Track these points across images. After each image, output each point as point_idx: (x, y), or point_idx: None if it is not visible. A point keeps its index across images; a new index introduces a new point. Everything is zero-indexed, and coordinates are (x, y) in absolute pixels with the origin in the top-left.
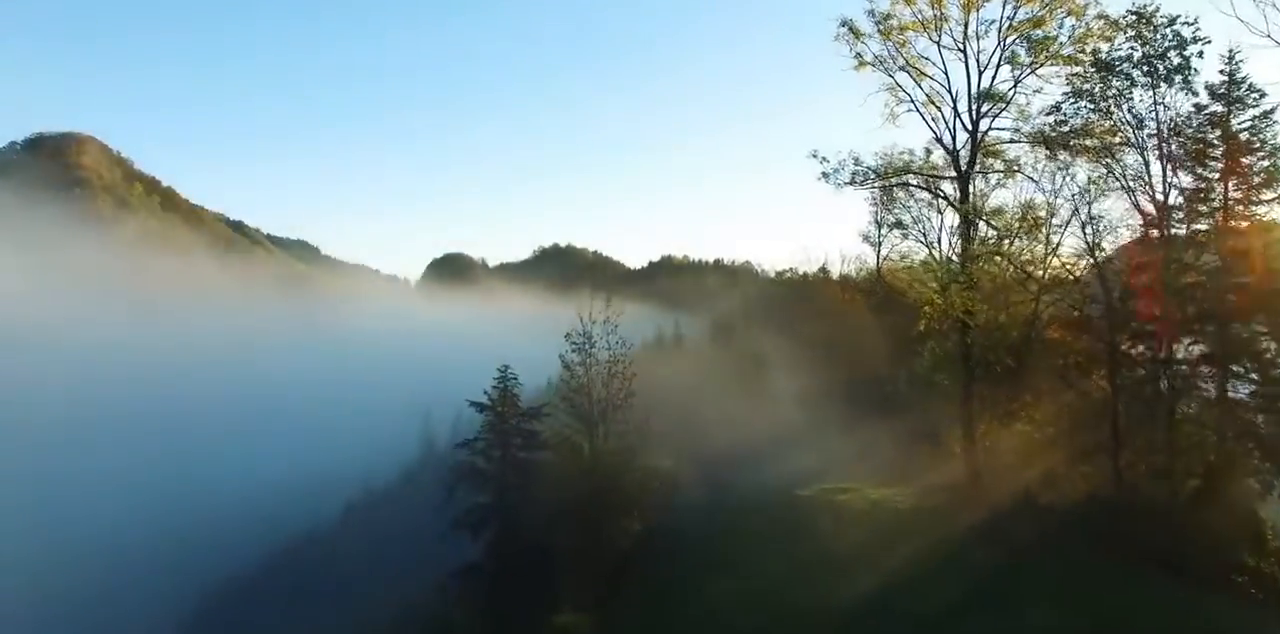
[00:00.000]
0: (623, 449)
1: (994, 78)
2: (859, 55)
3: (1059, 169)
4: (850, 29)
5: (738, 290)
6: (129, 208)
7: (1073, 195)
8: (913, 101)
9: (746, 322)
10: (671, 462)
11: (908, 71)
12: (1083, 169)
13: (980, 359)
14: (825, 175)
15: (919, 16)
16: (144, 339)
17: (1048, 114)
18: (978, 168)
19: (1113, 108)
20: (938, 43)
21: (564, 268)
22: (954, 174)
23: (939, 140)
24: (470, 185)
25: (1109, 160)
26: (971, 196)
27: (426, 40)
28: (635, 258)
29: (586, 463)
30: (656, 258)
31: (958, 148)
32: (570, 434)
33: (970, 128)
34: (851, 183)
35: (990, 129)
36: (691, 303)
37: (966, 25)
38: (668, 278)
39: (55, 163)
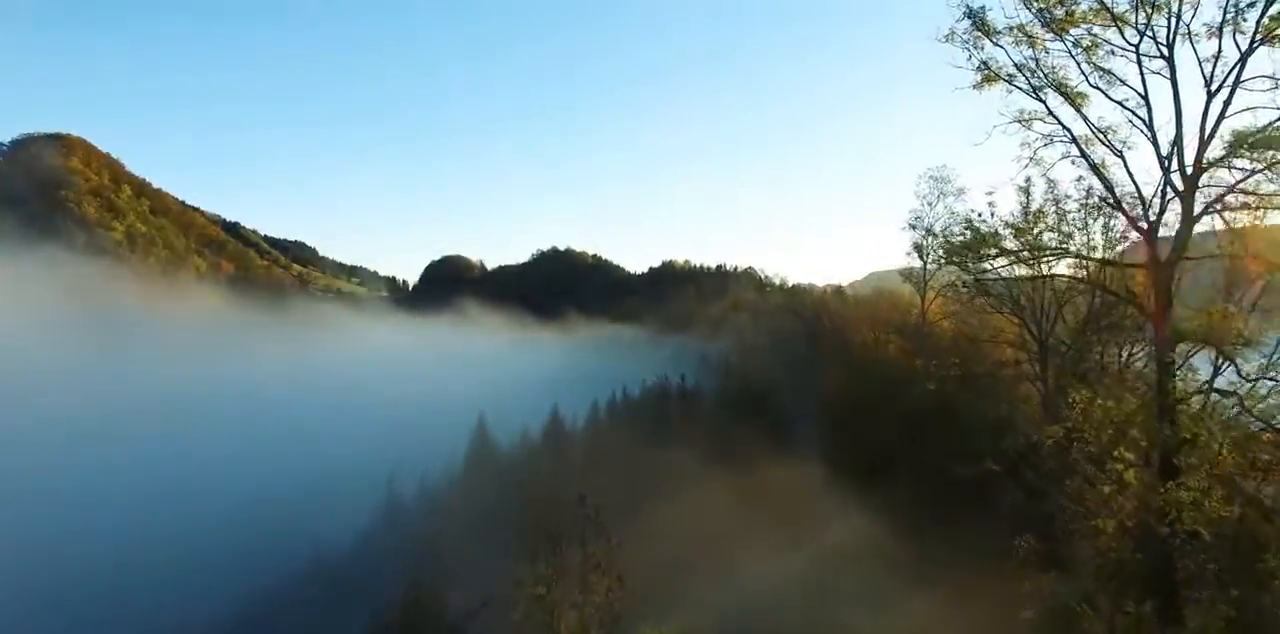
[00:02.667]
0: None
1: (1227, 103)
2: (984, 65)
3: None
4: (977, 23)
5: (745, 315)
6: (116, 211)
7: None
8: (1073, 139)
9: (760, 373)
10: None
11: (1064, 92)
12: None
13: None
14: (919, 249)
15: (1107, 4)
16: (99, 355)
17: None
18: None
19: None
20: (1135, 47)
21: (563, 271)
22: (1145, 259)
23: (1114, 204)
24: (471, 186)
25: None
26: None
27: (425, 41)
28: (636, 261)
29: None
30: (658, 263)
31: (1158, 214)
32: None
33: (1181, 187)
34: (958, 263)
35: (1233, 190)
36: (695, 323)
37: (1176, 17)
38: (669, 286)
39: (42, 165)
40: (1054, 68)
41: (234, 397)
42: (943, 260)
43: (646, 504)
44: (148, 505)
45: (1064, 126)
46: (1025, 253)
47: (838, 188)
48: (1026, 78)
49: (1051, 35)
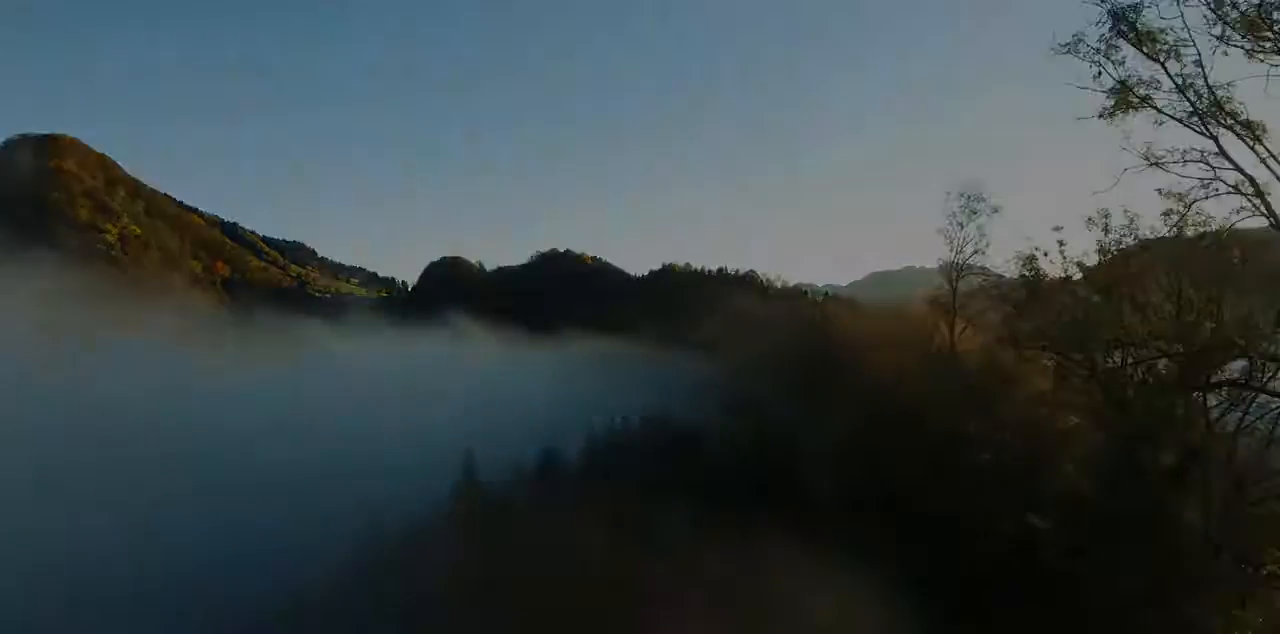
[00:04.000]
0: None
1: None
2: (1124, 85)
3: None
4: (1122, 30)
5: (750, 328)
6: (109, 213)
7: None
8: (1253, 187)
9: (767, 406)
10: None
11: (1240, 123)
12: None
13: None
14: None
15: None
16: (68, 365)
17: None
18: None
19: None
20: None
21: (562, 273)
22: None
23: None
24: (472, 186)
25: None
26: None
27: (422, 41)
28: (636, 263)
29: None
30: (658, 265)
31: None
32: None
33: None
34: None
35: None
36: (695, 336)
37: None
38: (669, 290)
39: (33, 167)
40: (1216, 87)
41: (212, 415)
42: (1047, 353)
43: (636, 586)
44: (113, 534)
45: (1240, 170)
46: (1159, 344)
47: (838, 187)
48: (1192, 102)
49: (1250, 46)
